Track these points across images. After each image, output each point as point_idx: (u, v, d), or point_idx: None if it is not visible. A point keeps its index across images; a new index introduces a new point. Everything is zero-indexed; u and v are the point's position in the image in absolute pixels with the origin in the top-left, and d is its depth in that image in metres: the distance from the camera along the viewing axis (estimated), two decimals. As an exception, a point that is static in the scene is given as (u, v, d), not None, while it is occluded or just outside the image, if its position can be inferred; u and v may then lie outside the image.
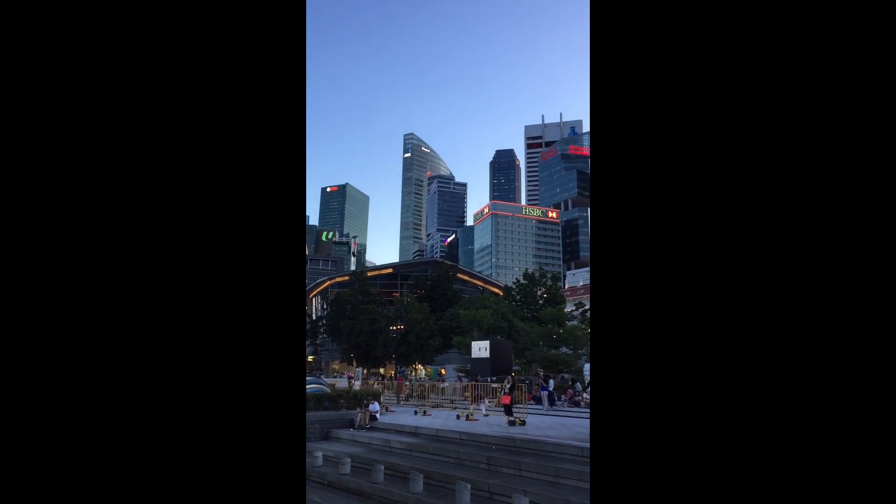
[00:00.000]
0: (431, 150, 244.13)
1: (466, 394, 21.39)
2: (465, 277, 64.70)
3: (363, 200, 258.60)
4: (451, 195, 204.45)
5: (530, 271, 47.94)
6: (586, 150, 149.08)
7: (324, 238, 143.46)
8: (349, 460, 11.50)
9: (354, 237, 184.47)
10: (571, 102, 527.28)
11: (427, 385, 26.02)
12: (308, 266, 20.14)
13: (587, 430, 10.66)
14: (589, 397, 19.54)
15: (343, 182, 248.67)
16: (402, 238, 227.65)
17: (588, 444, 7.53)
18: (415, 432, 13.48)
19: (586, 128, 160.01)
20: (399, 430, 14.01)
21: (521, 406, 16.79)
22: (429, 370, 43.15)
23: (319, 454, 12.40)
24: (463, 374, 32.69)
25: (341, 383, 28.14)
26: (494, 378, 21.09)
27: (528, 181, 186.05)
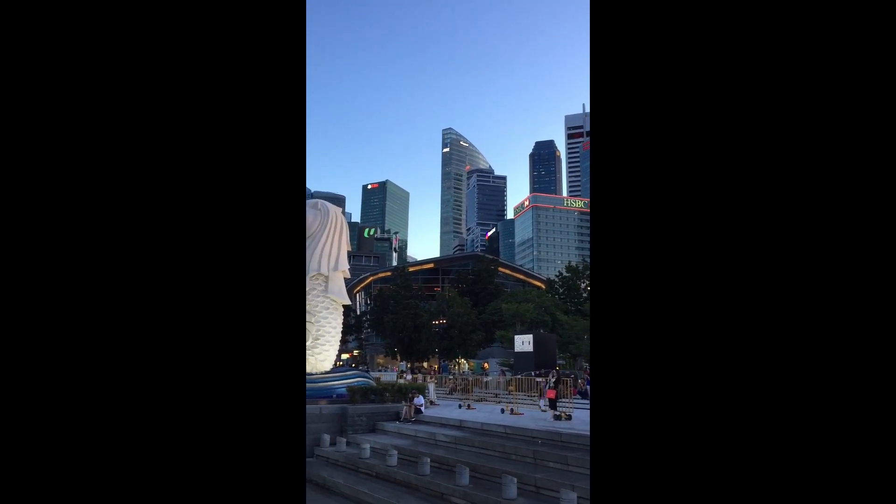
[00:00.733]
0: (470, 144, 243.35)
1: (510, 387, 21.34)
2: (507, 271, 64.30)
3: (403, 197, 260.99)
4: (491, 189, 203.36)
5: (573, 264, 47.16)
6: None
7: (366, 234, 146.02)
8: (395, 452, 11.69)
9: (395, 233, 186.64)
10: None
11: (471, 379, 26.10)
12: (351, 262, 20.55)
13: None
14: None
15: (383, 179, 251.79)
16: (442, 233, 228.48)
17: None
18: (460, 426, 13.56)
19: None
20: (444, 424, 14.12)
21: (567, 400, 16.58)
22: (472, 364, 43.25)
23: (367, 446, 12.67)
24: (506, 368, 32.58)
25: (386, 377, 28.63)
26: (538, 372, 20.92)
27: (570, 172, 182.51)
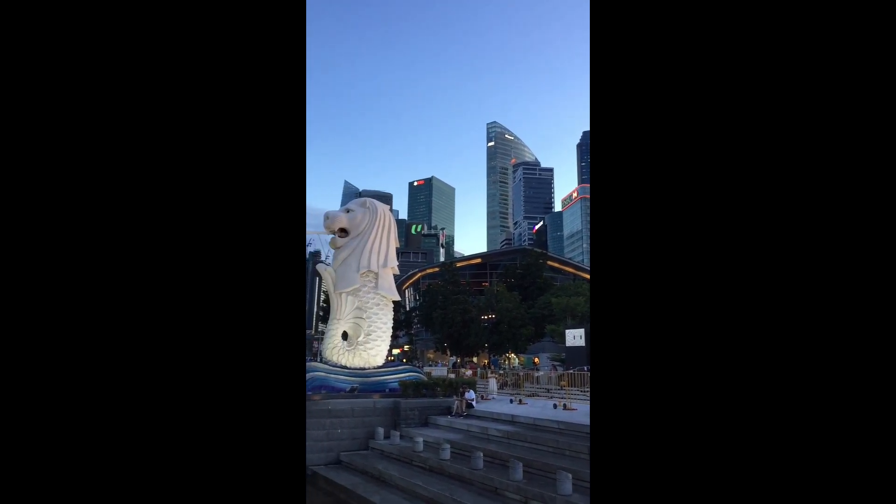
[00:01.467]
0: (515, 138, 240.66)
1: (563, 382, 21.02)
2: (556, 265, 63.22)
3: (449, 192, 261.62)
4: (538, 181, 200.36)
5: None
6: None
7: (413, 231, 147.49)
8: (448, 446, 11.79)
9: (442, 229, 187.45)
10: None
11: (522, 374, 25.91)
12: (399, 259, 20.79)
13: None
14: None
15: (429, 175, 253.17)
16: (489, 227, 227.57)
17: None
18: (512, 421, 13.50)
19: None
20: (496, 419, 14.10)
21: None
22: (522, 359, 42.92)
23: (420, 439, 12.85)
24: (558, 363, 32.12)
25: (436, 371, 28.88)
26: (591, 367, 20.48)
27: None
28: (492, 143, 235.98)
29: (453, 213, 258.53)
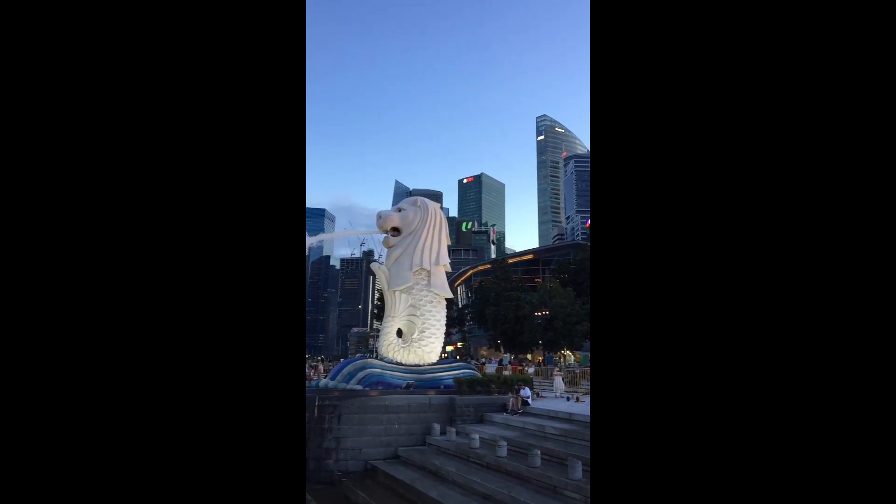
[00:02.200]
0: (566, 130, 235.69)
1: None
2: (611, 259, 61.28)
3: (499, 188, 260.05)
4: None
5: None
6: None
7: (463, 228, 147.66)
8: (505, 443, 11.73)
9: (493, 225, 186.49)
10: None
11: (578, 372, 25.39)
12: (450, 256, 20.92)
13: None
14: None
15: (478, 172, 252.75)
16: (540, 223, 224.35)
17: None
18: (569, 419, 13.25)
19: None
20: (553, 416, 13.89)
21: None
22: (578, 356, 42.04)
23: (476, 436, 12.85)
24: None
25: (489, 368, 28.81)
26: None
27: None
28: (542, 137, 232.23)
29: (504, 210, 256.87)
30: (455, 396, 15.72)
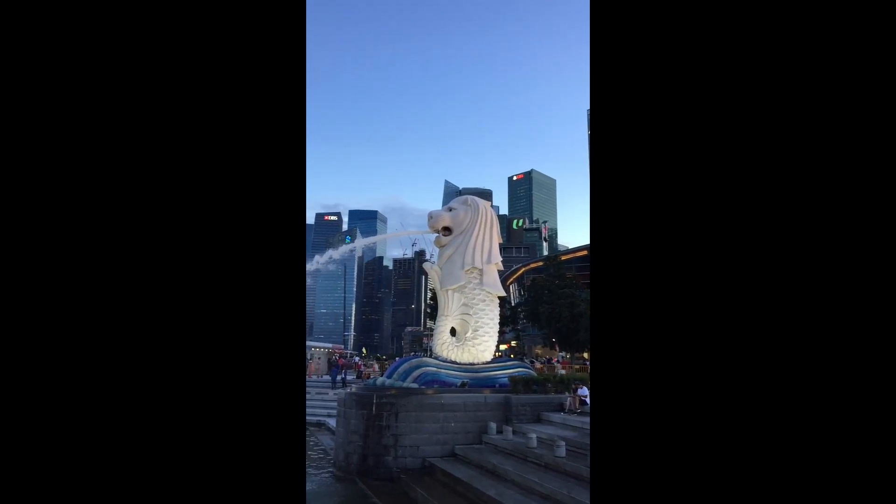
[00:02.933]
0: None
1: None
2: (670, 253, 58.81)
3: (550, 184, 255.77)
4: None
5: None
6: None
7: (514, 226, 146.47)
8: (563, 443, 11.52)
9: (544, 222, 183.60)
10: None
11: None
12: (502, 254, 20.74)
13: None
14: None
15: (528, 169, 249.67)
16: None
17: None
18: (630, 419, 12.83)
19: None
20: (612, 416, 13.49)
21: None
22: (637, 354, 40.61)
23: (533, 436, 12.70)
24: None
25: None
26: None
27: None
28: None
29: (555, 206, 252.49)
30: (510, 395, 15.60)
